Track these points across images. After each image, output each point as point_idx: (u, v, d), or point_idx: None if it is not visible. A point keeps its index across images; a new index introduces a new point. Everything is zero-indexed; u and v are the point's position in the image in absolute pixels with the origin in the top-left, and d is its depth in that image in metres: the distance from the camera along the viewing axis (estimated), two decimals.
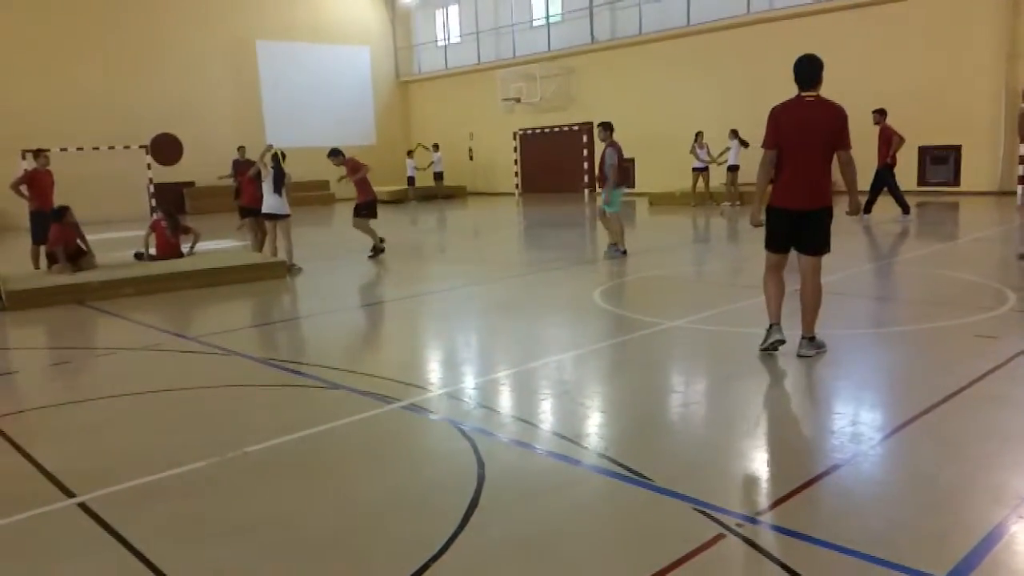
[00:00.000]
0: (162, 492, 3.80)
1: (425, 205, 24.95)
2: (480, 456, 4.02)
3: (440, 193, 26.78)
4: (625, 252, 10.99)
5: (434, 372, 6.01)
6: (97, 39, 23.78)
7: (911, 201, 16.96)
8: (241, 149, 17.85)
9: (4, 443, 4.55)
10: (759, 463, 3.96)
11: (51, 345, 7.68)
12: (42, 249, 11.36)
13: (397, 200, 26.17)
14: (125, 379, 5.98)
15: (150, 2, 24.82)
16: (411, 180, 26.74)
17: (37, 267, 11.46)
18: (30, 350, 7.53)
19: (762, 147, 5.44)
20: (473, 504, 3.47)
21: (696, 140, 18.46)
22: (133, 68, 24.40)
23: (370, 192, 12.05)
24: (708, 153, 18.45)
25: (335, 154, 11.84)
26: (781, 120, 5.34)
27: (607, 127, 10.76)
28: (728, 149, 18.07)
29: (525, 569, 2.97)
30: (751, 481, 3.70)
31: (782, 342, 5.57)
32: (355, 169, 11.85)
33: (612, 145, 10.64)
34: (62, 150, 19.31)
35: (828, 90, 5.34)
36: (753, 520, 3.21)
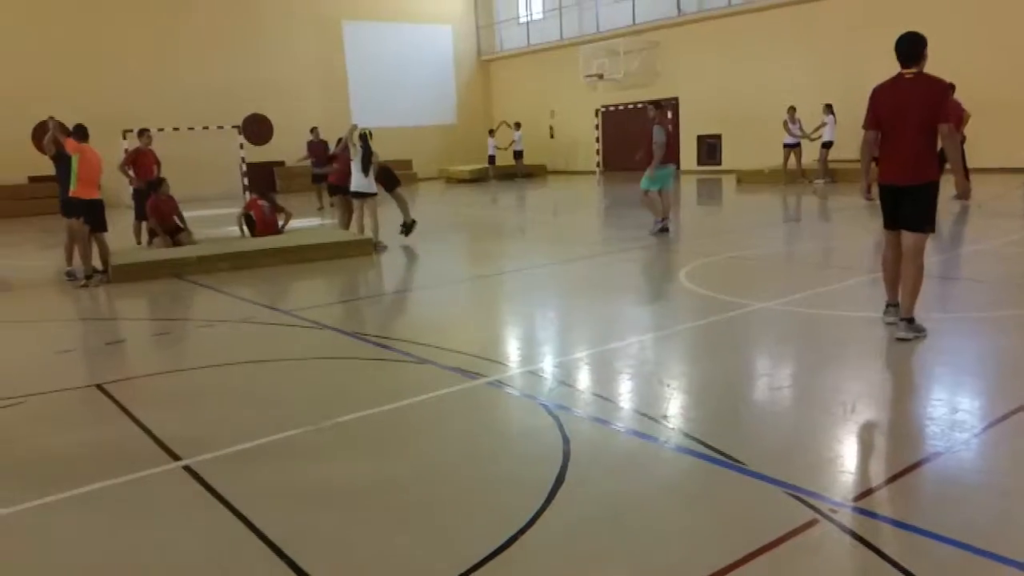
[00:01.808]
0: (261, 458, 3.96)
1: (505, 184, 24.99)
2: (565, 432, 4.03)
3: (520, 172, 26.77)
4: (665, 228, 11.14)
5: (517, 349, 6.05)
6: (191, 22, 24.60)
7: None
8: (314, 130, 18.18)
9: (114, 407, 4.83)
10: (854, 448, 3.84)
11: (153, 316, 8.07)
12: (144, 225, 11.94)
13: (477, 179, 26.31)
14: (224, 350, 6.25)
15: None
16: (491, 159, 26.81)
17: (139, 242, 12.04)
18: (134, 320, 7.94)
19: (862, 127, 5.44)
20: (559, 480, 3.49)
21: (789, 114, 17.87)
22: (226, 49, 25.15)
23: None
24: (801, 128, 17.83)
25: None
26: (879, 100, 5.35)
27: (659, 107, 11.25)
28: (824, 124, 17.42)
29: (612, 546, 2.98)
30: (846, 466, 3.59)
31: (893, 323, 5.53)
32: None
33: (661, 123, 10.91)
34: (159, 130, 20.12)
35: (932, 66, 5.20)
36: (848, 506, 3.13)
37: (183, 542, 3.17)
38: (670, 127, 11.21)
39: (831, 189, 16.69)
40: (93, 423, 4.67)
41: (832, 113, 17.29)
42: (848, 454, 3.76)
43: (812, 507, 3.12)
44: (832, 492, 3.26)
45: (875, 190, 5.62)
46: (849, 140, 17.57)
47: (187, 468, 3.82)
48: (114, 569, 3.02)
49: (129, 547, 3.17)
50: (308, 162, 17.93)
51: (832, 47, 20.01)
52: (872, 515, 3.08)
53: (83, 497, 3.56)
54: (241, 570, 2.96)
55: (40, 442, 4.39)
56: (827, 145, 17.45)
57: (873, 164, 5.59)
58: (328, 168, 11.64)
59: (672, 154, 11.26)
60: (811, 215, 13.81)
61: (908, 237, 5.30)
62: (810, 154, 18.25)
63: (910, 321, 5.34)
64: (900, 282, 5.54)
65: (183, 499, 3.54)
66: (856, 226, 11.76)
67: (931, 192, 5.24)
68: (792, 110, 17.91)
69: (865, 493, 3.27)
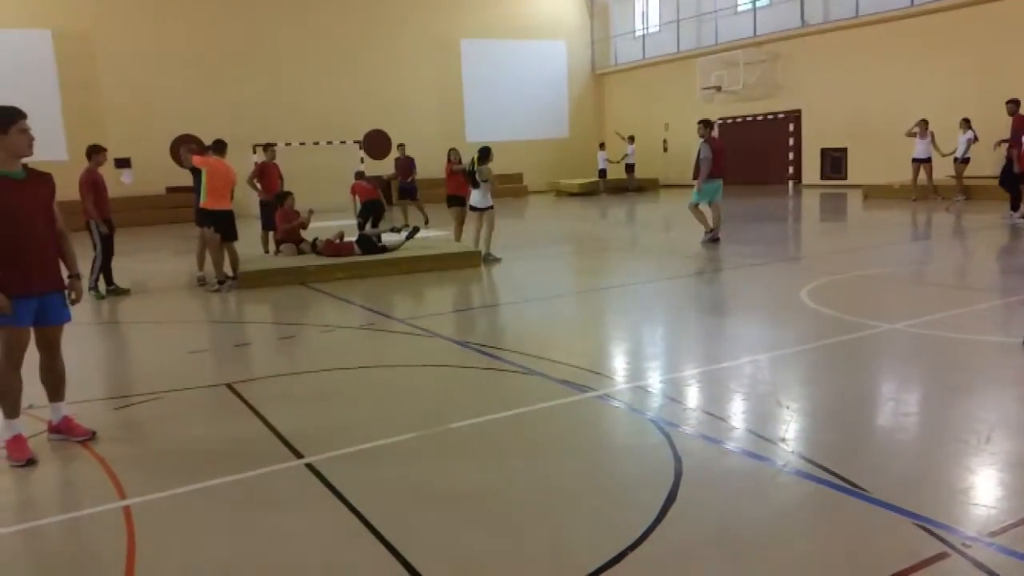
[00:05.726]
0: (378, 458, 4.09)
1: (616, 198, 24.83)
2: (676, 451, 3.96)
3: (631, 186, 26.54)
4: (716, 239, 11.88)
5: (628, 364, 5.99)
6: (317, 42, 25.77)
7: None
8: (401, 147, 18.78)
9: (242, 406, 5.09)
10: (990, 480, 3.59)
11: (278, 321, 8.46)
12: (270, 235, 12.55)
13: (588, 193, 26.26)
14: (343, 354, 6.49)
15: (365, 5, 26.56)
16: (602, 172, 26.70)
17: (266, 251, 12.66)
18: (261, 324, 8.36)
19: None
20: (671, 497, 3.43)
21: (920, 127, 16.93)
22: (348, 68, 26.19)
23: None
24: (933, 141, 16.85)
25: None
26: None
27: (707, 124, 11.95)
28: (974, 141, 16.38)
29: (725, 570, 2.90)
30: (980, 499, 3.37)
31: None
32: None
33: (707, 140, 11.75)
34: (286, 145, 21.18)
35: None
36: (984, 541, 2.93)
37: (302, 536, 3.30)
38: (719, 145, 11.92)
39: (965, 207, 15.73)
40: (223, 420, 4.94)
41: (971, 128, 16.31)
42: (983, 486, 3.52)
43: (942, 540, 2.94)
44: (965, 525, 3.06)
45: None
46: (985, 156, 16.57)
47: (309, 466, 3.99)
48: (234, 559, 3.17)
49: (251, 539, 3.32)
50: (396, 178, 18.65)
51: (968, 59, 18.86)
52: (1012, 552, 2.87)
53: (211, 489, 3.78)
54: (356, 565, 3.06)
55: (174, 436, 4.69)
56: (964, 161, 16.47)
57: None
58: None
59: (719, 169, 11.88)
60: (943, 233, 13.04)
61: None
62: (940, 170, 17.26)
63: None
64: None
65: (304, 495, 3.69)
66: (992, 246, 11.04)
67: None
68: (924, 123, 16.97)
69: (1004, 528, 3.05)
